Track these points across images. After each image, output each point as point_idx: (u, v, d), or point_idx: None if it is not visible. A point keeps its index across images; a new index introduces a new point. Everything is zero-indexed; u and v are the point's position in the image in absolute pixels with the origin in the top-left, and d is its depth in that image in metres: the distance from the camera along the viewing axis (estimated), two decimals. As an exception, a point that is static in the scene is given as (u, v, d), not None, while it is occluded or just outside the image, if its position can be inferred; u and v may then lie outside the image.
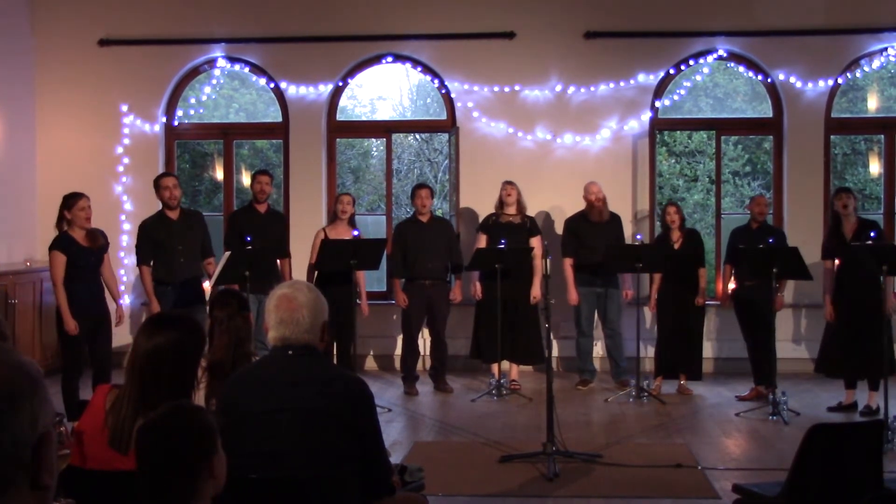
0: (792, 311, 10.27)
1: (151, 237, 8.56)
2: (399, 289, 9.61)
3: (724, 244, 10.87)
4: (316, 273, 9.26)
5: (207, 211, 14.73)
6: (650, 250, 9.42)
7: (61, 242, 7.78)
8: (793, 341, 10.29)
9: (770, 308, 8.72)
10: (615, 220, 9.90)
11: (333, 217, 9.64)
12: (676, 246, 9.38)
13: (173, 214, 8.66)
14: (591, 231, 9.68)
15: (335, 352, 9.29)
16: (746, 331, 9.30)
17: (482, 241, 9.65)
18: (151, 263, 8.58)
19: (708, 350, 10.56)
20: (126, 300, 10.85)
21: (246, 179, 13.69)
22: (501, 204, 9.71)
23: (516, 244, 9.41)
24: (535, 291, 9.51)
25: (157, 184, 8.73)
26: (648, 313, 9.98)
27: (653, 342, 9.77)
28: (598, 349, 10.08)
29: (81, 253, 7.80)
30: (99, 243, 7.97)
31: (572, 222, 9.88)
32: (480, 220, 10.09)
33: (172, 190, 8.63)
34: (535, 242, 9.55)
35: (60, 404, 7.54)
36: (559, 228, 10.62)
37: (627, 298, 9.74)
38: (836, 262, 8.70)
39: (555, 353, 10.42)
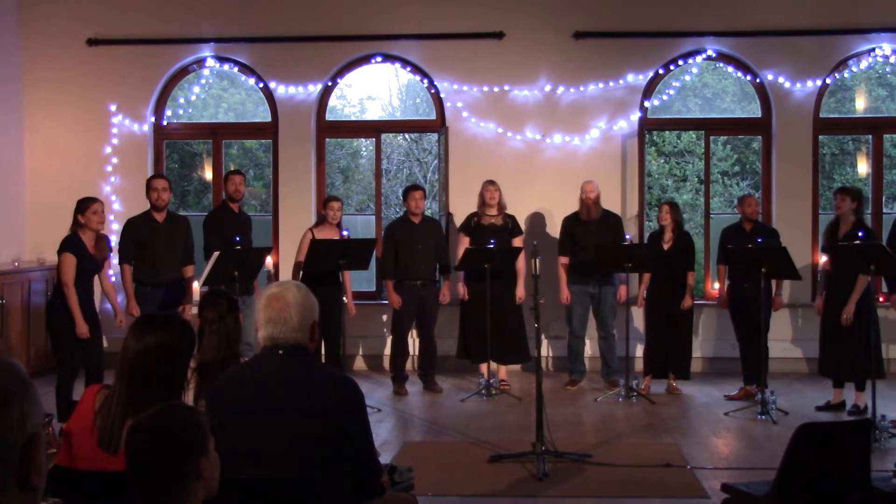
0: (782, 311, 10.28)
1: (135, 236, 8.58)
2: (392, 290, 9.60)
3: (714, 244, 10.92)
4: (302, 272, 9.25)
5: (196, 211, 14.73)
6: (639, 250, 9.44)
7: (72, 245, 7.79)
8: (782, 341, 10.30)
9: (762, 308, 8.72)
10: (610, 219, 9.88)
11: (322, 219, 9.62)
12: (667, 246, 9.38)
13: (159, 216, 8.68)
14: (584, 230, 9.69)
15: (324, 352, 9.28)
16: (739, 331, 9.32)
17: (464, 243, 9.64)
18: (133, 263, 8.59)
19: (697, 349, 10.58)
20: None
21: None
22: (483, 203, 9.70)
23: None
24: (520, 291, 9.54)
25: (148, 184, 8.79)
26: (637, 312, 9.97)
27: (642, 342, 9.79)
28: (589, 349, 10.06)
29: (87, 257, 7.84)
30: (103, 253, 8.04)
31: (567, 221, 9.88)
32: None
33: (160, 192, 8.64)
34: (518, 243, 9.61)
35: (53, 405, 7.55)
36: (548, 228, 10.66)
37: (622, 300, 9.72)
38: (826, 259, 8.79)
39: (545, 352, 10.44)
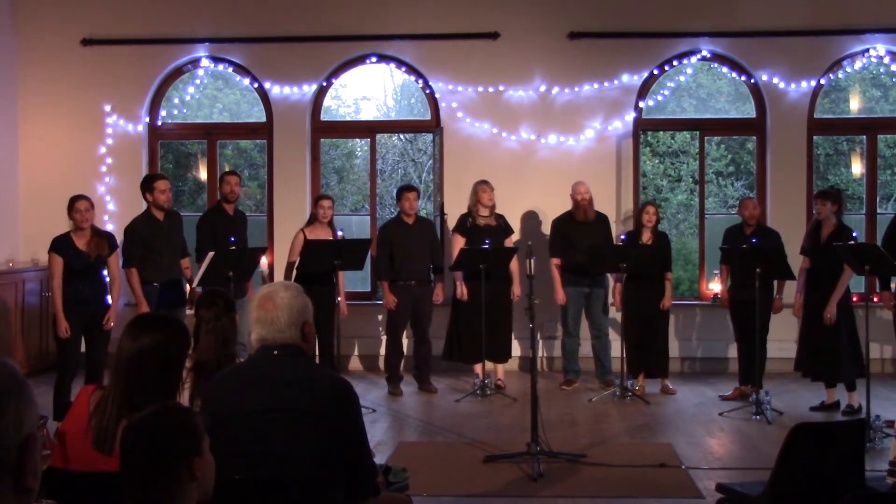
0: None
1: (140, 238, 8.56)
2: (388, 290, 9.58)
3: (708, 244, 10.96)
4: (295, 273, 9.25)
5: (191, 211, 14.70)
6: (634, 251, 9.44)
7: (57, 244, 7.92)
8: (779, 341, 10.28)
9: (756, 308, 8.71)
10: (602, 220, 9.91)
11: (313, 217, 9.62)
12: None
13: (160, 215, 8.67)
14: (577, 231, 9.70)
15: (317, 352, 9.26)
16: (738, 331, 9.32)
17: (459, 244, 9.63)
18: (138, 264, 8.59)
19: (692, 350, 10.60)
20: (109, 300, 10.80)
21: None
22: (476, 203, 9.69)
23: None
24: (517, 289, 9.55)
25: (152, 185, 8.67)
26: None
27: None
28: (583, 350, 10.06)
29: (76, 256, 7.86)
30: (101, 250, 8.05)
31: (559, 222, 9.89)
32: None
33: (167, 193, 8.70)
34: (510, 242, 9.67)
35: (49, 404, 7.54)
36: (543, 229, 10.66)
37: (616, 301, 9.72)
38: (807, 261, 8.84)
39: (539, 352, 10.44)
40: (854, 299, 8.85)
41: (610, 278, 9.78)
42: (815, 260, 8.65)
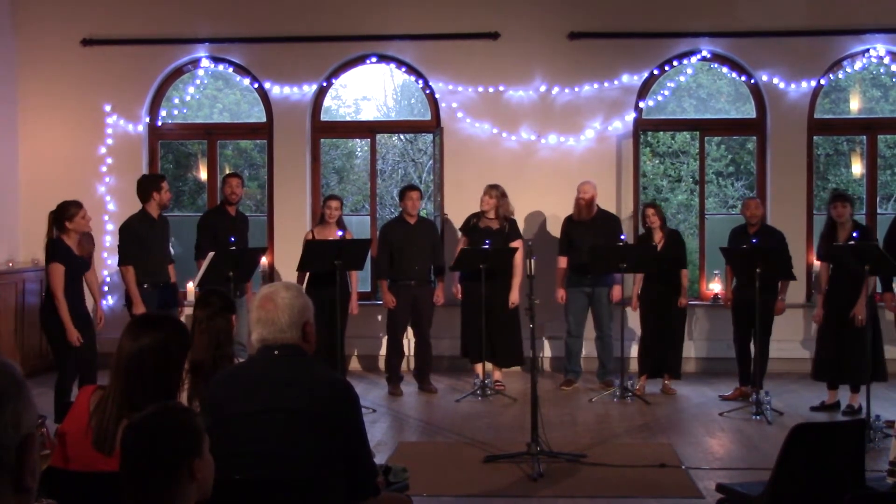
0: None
1: (136, 236, 8.49)
2: (386, 290, 9.59)
3: (708, 244, 10.96)
4: (308, 274, 9.26)
5: (191, 211, 14.72)
6: (634, 251, 9.44)
7: (59, 253, 7.68)
8: (777, 341, 10.28)
9: (756, 308, 8.69)
10: (606, 219, 9.87)
11: (321, 219, 9.63)
12: (659, 247, 9.39)
13: (156, 214, 8.62)
14: (579, 230, 9.70)
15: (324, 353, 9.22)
16: (738, 331, 9.31)
17: (462, 244, 9.65)
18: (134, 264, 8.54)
19: (692, 350, 10.59)
20: (109, 301, 10.81)
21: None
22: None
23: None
24: (514, 297, 9.50)
25: (160, 185, 8.59)
26: (632, 312, 9.95)
27: (636, 342, 9.79)
28: (585, 349, 10.04)
29: (75, 262, 7.77)
30: (87, 250, 8.00)
31: (564, 222, 9.92)
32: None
33: (169, 192, 8.71)
34: (516, 246, 9.56)
35: (49, 405, 7.50)
36: (543, 229, 10.68)
37: (615, 300, 9.72)
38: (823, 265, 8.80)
39: (540, 353, 10.43)
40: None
41: (616, 277, 9.76)
42: (835, 262, 8.55)
